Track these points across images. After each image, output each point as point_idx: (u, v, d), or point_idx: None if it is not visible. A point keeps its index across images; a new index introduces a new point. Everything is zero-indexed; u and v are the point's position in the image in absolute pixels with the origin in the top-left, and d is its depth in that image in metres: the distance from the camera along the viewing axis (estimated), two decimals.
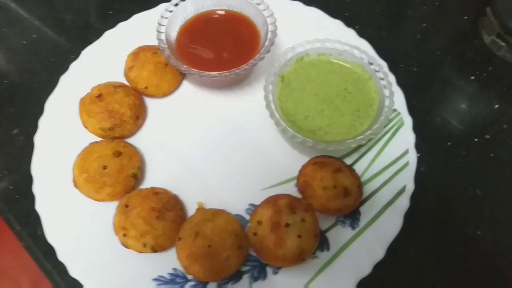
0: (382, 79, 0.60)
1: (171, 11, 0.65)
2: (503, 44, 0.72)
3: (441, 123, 0.68)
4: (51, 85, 0.65)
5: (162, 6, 0.67)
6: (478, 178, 0.63)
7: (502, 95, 0.70)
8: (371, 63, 0.61)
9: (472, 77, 0.72)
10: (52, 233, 0.54)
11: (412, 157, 0.60)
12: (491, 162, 0.64)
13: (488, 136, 0.66)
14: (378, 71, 0.60)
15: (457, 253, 0.58)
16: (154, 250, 0.53)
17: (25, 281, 1.51)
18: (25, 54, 0.75)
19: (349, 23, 0.72)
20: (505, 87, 0.71)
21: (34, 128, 0.62)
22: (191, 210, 0.58)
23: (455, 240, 0.59)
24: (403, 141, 0.61)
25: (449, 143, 0.66)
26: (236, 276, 0.53)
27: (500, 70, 0.73)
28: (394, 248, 0.54)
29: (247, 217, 0.57)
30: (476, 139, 0.66)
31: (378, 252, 0.53)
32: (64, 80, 0.65)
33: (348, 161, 0.61)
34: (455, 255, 0.58)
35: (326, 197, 0.54)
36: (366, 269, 0.52)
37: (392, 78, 0.64)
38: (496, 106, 0.69)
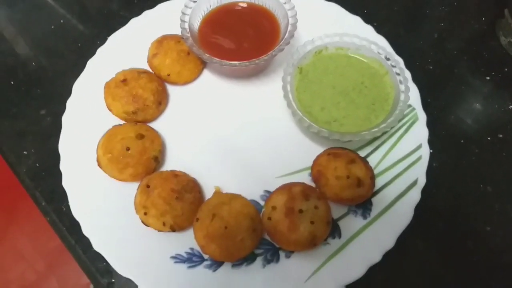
0: (398, 74, 0.61)
1: (195, 1, 0.68)
2: None
3: (455, 121, 0.69)
4: (77, 68, 0.68)
5: None
6: (489, 176, 0.64)
7: None
8: (388, 59, 0.63)
9: (487, 77, 0.73)
10: (77, 209, 0.57)
11: (425, 152, 0.61)
12: (503, 161, 0.65)
13: (501, 136, 0.67)
14: (394, 67, 0.62)
15: (466, 247, 0.59)
16: (173, 229, 0.55)
17: (40, 263, 1.56)
18: (52, 39, 0.78)
19: (367, 20, 0.73)
20: None
21: (60, 109, 0.65)
22: (208, 193, 0.60)
23: (465, 235, 0.60)
24: (416, 136, 0.62)
25: (462, 141, 0.67)
26: (250, 258, 0.55)
27: None
28: (404, 239, 0.56)
29: (262, 203, 0.59)
30: (489, 138, 0.67)
31: (388, 241, 0.55)
32: (91, 64, 0.68)
33: (362, 153, 0.62)
34: (464, 250, 0.59)
35: (339, 186, 0.56)
36: (376, 257, 0.54)
37: (408, 74, 0.65)
38: (510, 106, 0.70)
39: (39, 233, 1.58)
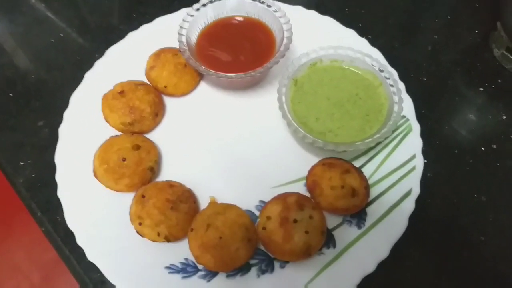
0: (391, 86, 0.62)
1: (192, 16, 0.69)
2: None
3: (449, 131, 0.69)
4: (76, 81, 0.69)
5: (184, 11, 0.71)
6: (483, 186, 0.64)
7: (510, 106, 0.72)
8: (381, 70, 0.63)
9: (481, 89, 0.74)
10: (72, 219, 0.57)
11: (419, 162, 0.61)
12: (497, 171, 0.66)
13: (494, 146, 0.68)
14: (388, 78, 0.63)
15: (461, 257, 0.59)
16: (168, 239, 0.55)
17: (35, 275, 1.55)
18: (52, 52, 0.79)
19: (362, 33, 0.75)
20: None
21: (58, 121, 0.65)
22: (203, 204, 0.60)
23: (459, 245, 0.60)
24: (410, 146, 0.63)
25: (456, 151, 0.67)
26: (245, 268, 0.55)
27: (509, 83, 0.74)
28: (399, 250, 0.56)
29: (257, 213, 0.59)
30: (482, 148, 0.68)
31: (382, 251, 0.55)
32: (89, 76, 0.69)
33: (357, 164, 0.63)
34: (459, 259, 0.59)
35: (334, 196, 0.56)
36: (370, 267, 0.54)
37: (401, 85, 0.66)
38: (504, 117, 0.71)
39: (35, 245, 1.58)
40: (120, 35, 0.75)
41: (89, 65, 0.71)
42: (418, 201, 0.59)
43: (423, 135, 0.64)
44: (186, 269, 0.55)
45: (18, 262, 1.60)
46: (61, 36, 0.81)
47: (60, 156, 0.62)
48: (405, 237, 0.57)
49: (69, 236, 0.57)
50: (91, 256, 0.55)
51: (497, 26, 0.75)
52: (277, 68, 0.68)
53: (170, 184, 0.59)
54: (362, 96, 0.63)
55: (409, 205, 0.58)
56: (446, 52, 0.78)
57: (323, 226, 0.55)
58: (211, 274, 0.55)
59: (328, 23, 0.75)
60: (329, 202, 0.57)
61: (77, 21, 0.84)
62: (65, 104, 0.67)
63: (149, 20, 0.77)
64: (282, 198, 0.57)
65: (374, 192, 0.60)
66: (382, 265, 0.55)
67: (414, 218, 0.58)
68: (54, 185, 0.60)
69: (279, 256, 0.55)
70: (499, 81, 0.75)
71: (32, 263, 1.58)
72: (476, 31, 0.81)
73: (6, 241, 1.64)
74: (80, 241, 0.55)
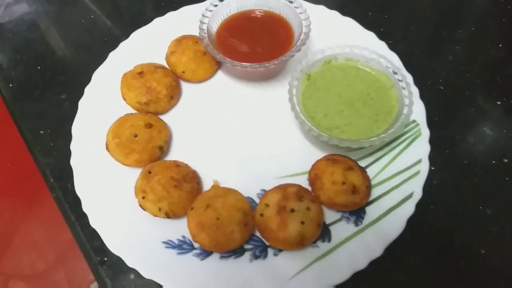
0: (404, 88, 0.62)
1: (216, 6, 0.71)
2: None
3: (460, 141, 0.69)
4: (100, 60, 0.72)
5: (208, 1, 0.73)
6: (490, 199, 0.63)
7: None
8: (395, 73, 0.64)
9: (499, 102, 0.73)
10: (81, 186, 0.60)
11: (424, 167, 0.61)
12: (506, 185, 0.64)
13: (506, 160, 0.67)
14: (401, 81, 0.63)
15: (458, 267, 0.59)
16: (168, 215, 0.57)
17: (51, 254, 1.60)
18: (81, 31, 0.83)
19: (382, 37, 0.75)
20: None
21: (79, 95, 0.69)
22: (207, 186, 0.62)
23: (458, 255, 0.59)
24: (418, 151, 0.63)
25: (465, 161, 0.67)
26: (239, 251, 0.57)
27: None
28: (396, 251, 0.56)
29: (257, 201, 0.61)
30: (493, 161, 0.67)
31: (376, 250, 0.55)
32: (112, 56, 0.73)
33: (363, 163, 0.63)
34: (456, 269, 0.58)
35: (334, 191, 0.57)
36: (362, 264, 0.54)
37: (415, 89, 0.66)
38: None
39: (53, 224, 1.63)
40: (147, 21, 0.78)
41: (114, 46, 0.74)
42: (421, 207, 0.59)
43: (433, 142, 0.64)
44: (182, 246, 0.57)
45: (35, 239, 1.65)
46: (92, 17, 0.85)
47: (77, 127, 0.65)
48: (404, 240, 0.57)
49: (77, 204, 0.60)
50: (94, 223, 0.57)
51: None
52: (294, 63, 0.69)
53: (177, 164, 0.61)
54: (373, 96, 0.64)
55: (409, 208, 0.58)
56: (466, 63, 0.78)
57: (319, 219, 0.56)
58: (205, 253, 0.56)
59: (349, 23, 0.76)
60: (329, 197, 0.57)
61: (108, 4, 0.88)
62: (88, 80, 0.70)
63: (175, 8, 0.79)
64: (282, 188, 0.58)
65: (376, 192, 0.61)
66: (376, 265, 0.55)
67: (415, 223, 0.58)
68: (69, 155, 0.63)
69: (274, 243, 0.56)
70: None
71: (49, 242, 1.63)
72: (500, 45, 0.80)
73: (26, 216, 1.70)
74: (85, 207, 0.58)
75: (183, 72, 0.70)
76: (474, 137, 0.69)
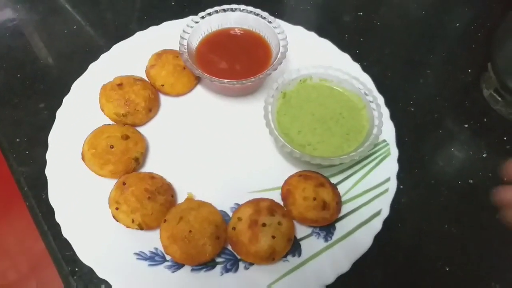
0: (374, 109, 0.65)
1: (197, 22, 0.73)
2: (500, 99, 0.76)
3: (428, 162, 0.71)
4: (81, 70, 0.73)
5: (190, 18, 0.75)
6: (455, 218, 0.66)
7: (492, 146, 0.74)
8: (367, 94, 0.66)
9: (466, 125, 0.76)
10: (54, 196, 0.60)
11: (392, 185, 0.63)
12: (470, 205, 0.67)
13: (471, 181, 0.69)
14: (372, 102, 0.65)
15: (424, 284, 0.61)
16: (141, 227, 0.58)
17: (23, 265, 1.56)
18: (63, 41, 0.84)
19: (357, 59, 0.78)
20: (496, 139, 0.75)
21: (58, 105, 0.69)
22: (181, 199, 0.63)
23: (423, 272, 0.61)
24: (386, 170, 0.65)
25: (433, 181, 0.69)
26: (210, 264, 0.57)
27: (494, 123, 0.76)
28: (363, 267, 0.58)
29: (231, 214, 0.62)
30: (459, 182, 0.69)
31: (344, 265, 0.57)
32: (93, 67, 0.73)
33: (334, 180, 0.65)
34: (421, 286, 0.60)
35: (305, 206, 0.58)
36: (330, 278, 0.56)
37: (385, 111, 0.69)
38: (485, 155, 0.73)
39: (26, 234, 1.60)
40: (129, 34, 0.79)
41: (95, 57, 0.75)
42: (388, 224, 0.61)
43: (402, 161, 0.66)
44: (154, 258, 0.57)
45: (7, 248, 1.61)
46: (75, 28, 0.86)
47: (54, 137, 0.65)
48: (371, 256, 0.58)
49: (50, 213, 0.60)
50: (66, 233, 0.57)
51: (488, 67, 0.78)
52: (270, 80, 0.71)
53: (152, 176, 0.62)
54: (345, 116, 0.66)
55: (376, 225, 0.60)
56: (436, 87, 0.81)
57: (290, 233, 0.58)
58: (177, 266, 0.57)
59: (325, 45, 0.78)
60: (300, 212, 0.59)
61: (92, 16, 0.89)
62: (67, 90, 0.71)
63: (159, 23, 0.81)
64: (255, 202, 0.59)
65: (346, 208, 0.62)
66: (343, 279, 0.57)
67: (382, 240, 0.60)
68: (44, 164, 0.63)
69: (245, 257, 0.57)
70: (485, 120, 0.77)
71: (21, 251, 1.59)
72: (469, 70, 0.84)
73: None
74: (58, 217, 0.58)
75: (162, 85, 0.72)
76: (442, 157, 0.72)
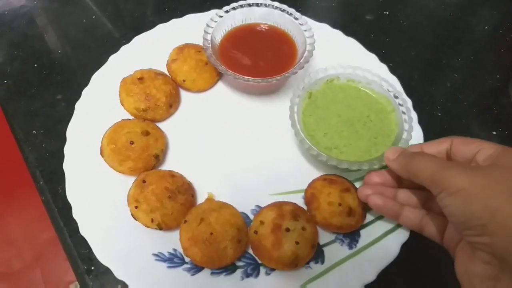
0: (404, 113, 0.62)
1: (221, 16, 0.71)
2: None
3: None
4: (99, 62, 0.71)
5: (214, 11, 0.73)
6: None
7: None
8: (396, 97, 0.64)
9: (494, 132, 0.74)
10: (72, 192, 0.58)
11: None
12: None
13: None
14: (401, 105, 0.63)
15: None
16: (160, 227, 0.56)
17: (28, 253, 1.56)
18: (82, 31, 0.82)
19: (383, 59, 0.75)
20: None
21: (76, 97, 0.67)
22: (201, 198, 0.61)
23: (452, 283, 0.59)
24: None
25: None
26: (231, 268, 0.56)
27: None
28: (389, 276, 0.56)
29: (252, 217, 0.60)
30: None
31: (369, 275, 0.55)
32: (113, 59, 0.71)
33: (358, 185, 0.62)
34: None
35: (330, 212, 0.56)
36: None
37: (414, 115, 0.66)
38: None
39: (33, 223, 1.59)
40: (149, 26, 0.77)
41: (115, 49, 0.73)
42: (416, 232, 0.59)
43: None
44: (173, 259, 0.56)
45: (13, 237, 1.61)
46: (93, 18, 0.84)
47: (72, 130, 0.63)
48: (398, 265, 0.56)
49: (66, 209, 0.58)
50: (83, 230, 0.55)
51: None
52: (295, 79, 0.69)
53: (172, 174, 0.60)
54: (373, 119, 0.64)
55: (404, 233, 0.58)
56: (464, 91, 0.79)
57: (314, 239, 0.56)
58: (196, 268, 0.55)
59: (351, 44, 0.76)
60: (324, 217, 0.57)
61: (111, 7, 0.87)
62: (85, 82, 0.69)
63: (179, 16, 0.79)
64: (278, 205, 0.57)
65: (371, 215, 0.60)
66: None
67: (408, 249, 0.57)
68: (61, 158, 0.61)
69: (267, 262, 0.55)
70: None
71: (27, 240, 1.59)
72: (497, 76, 0.81)
73: (5, 212, 1.66)
74: (76, 214, 0.56)
75: (184, 80, 0.70)
76: None
